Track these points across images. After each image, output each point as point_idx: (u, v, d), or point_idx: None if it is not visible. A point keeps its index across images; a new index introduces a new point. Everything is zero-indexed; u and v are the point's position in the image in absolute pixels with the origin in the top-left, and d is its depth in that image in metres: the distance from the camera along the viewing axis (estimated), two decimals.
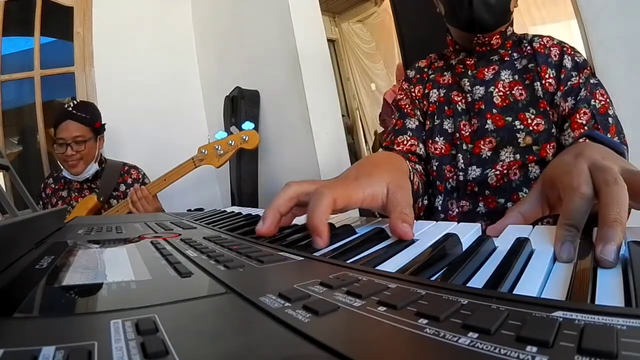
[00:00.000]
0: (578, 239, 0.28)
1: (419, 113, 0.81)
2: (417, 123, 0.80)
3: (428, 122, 0.79)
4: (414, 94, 0.82)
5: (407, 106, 0.82)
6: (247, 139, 1.31)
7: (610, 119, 0.64)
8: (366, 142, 4.67)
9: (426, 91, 0.81)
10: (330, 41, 4.75)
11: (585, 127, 0.63)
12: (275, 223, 0.39)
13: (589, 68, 0.68)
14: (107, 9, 2.01)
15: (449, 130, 0.75)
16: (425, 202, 0.75)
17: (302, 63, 1.47)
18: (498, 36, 0.72)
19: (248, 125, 1.32)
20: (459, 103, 0.75)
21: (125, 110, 1.95)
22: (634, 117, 0.87)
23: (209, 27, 2.10)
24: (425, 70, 0.83)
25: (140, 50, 2.06)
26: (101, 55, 1.97)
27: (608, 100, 0.65)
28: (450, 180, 0.74)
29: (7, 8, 1.93)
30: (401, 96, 0.85)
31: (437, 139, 0.76)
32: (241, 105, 1.68)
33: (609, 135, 0.62)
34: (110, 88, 1.96)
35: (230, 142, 1.30)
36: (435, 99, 0.78)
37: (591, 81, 0.66)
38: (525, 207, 0.41)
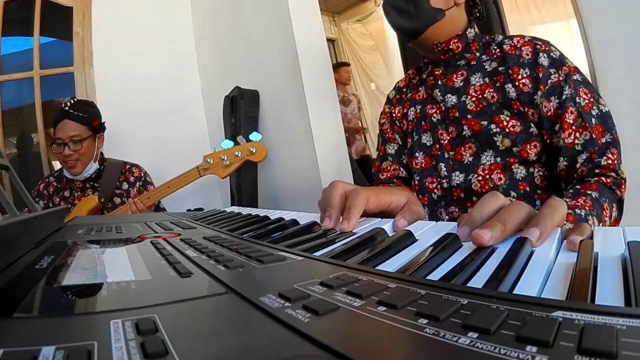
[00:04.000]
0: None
1: (397, 136, 0.84)
2: (396, 147, 0.83)
3: (409, 140, 0.81)
4: (394, 115, 0.85)
5: (388, 130, 0.85)
6: (254, 151, 1.27)
7: (594, 119, 0.63)
8: (365, 141, 4.67)
9: (405, 110, 0.83)
10: (330, 41, 4.75)
11: (573, 127, 0.63)
12: (338, 220, 0.43)
13: (568, 64, 0.66)
14: (106, 9, 2.01)
15: (427, 144, 0.77)
16: None
17: (301, 63, 1.47)
18: (456, 40, 0.72)
19: (256, 137, 1.28)
20: (434, 115, 0.76)
21: (124, 110, 1.95)
22: (634, 117, 0.87)
23: (209, 27, 2.10)
24: (404, 90, 0.85)
25: (140, 50, 2.06)
26: (100, 55, 1.97)
27: (592, 99, 0.64)
28: (435, 190, 0.75)
29: (6, 8, 1.93)
30: (383, 120, 0.88)
31: (417, 154, 0.78)
32: (241, 105, 1.67)
33: (594, 136, 0.62)
34: (110, 88, 1.96)
35: (236, 152, 1.28)
36: (413, 116, 0.80)
37: (574, 78, 0.65)
38: None
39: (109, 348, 0.13)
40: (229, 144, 1.29)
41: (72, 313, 0.19)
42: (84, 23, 1.97)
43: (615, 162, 0.62)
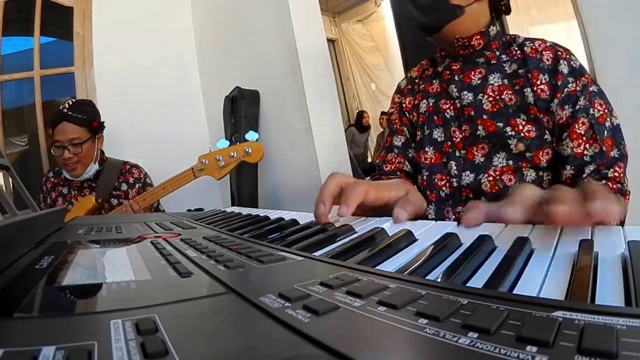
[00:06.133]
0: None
1: (405, 129, 0.82)
2: (403, 140, 0.82)
3: (419, 133, 0.79)
4: (404, 105, 0.83)
5: (396, 121, 0.84)
6: (250, 152, 1.24)
7: (606, 132, 0.63)
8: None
9: (416, 102, 0.81)
10: (330, 41, 4.76)
11: (584, 137, 0.63)
12: (331, 206, 0.44)
13: (586, 75, 0.66)
14: (106, 9, 2.01)
15: (439, 139, 0.76)
16: None
17: (302, 63, 1.47)
18: (479, 37, 0.71)
19: (252, 136, 1.24)
20: (448, 110, 0.75)
21: (125, 110, 1.95)
22: (634, 118, 0.87)
23: (209, 27, 2.10)
24: (417, 81, 0.84)
25: (140, 50, 2.06)
26: (101, 55, 1.97)
27: (607, 110, 0.64)
28: (444, 188, 0.74)
29: (7, 8, 1.93)
30: (392, 110, 0.86)
31: (427, 148, 0.77)
32: (241, 105, 1.67)
33: (604, 149, 0.62)
34: (110, 88, 1.96)
35: (232, 153, 1.24)
36: (425, 109, 0.79)
37: (590, 89, 0.65)
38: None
39: (109, 348, 0.13)
40: (224, 143, 1.26)
41: (72, 313, 0.19)
42: (85, 23, 1.97)
43: (621, 175, 0.62)
